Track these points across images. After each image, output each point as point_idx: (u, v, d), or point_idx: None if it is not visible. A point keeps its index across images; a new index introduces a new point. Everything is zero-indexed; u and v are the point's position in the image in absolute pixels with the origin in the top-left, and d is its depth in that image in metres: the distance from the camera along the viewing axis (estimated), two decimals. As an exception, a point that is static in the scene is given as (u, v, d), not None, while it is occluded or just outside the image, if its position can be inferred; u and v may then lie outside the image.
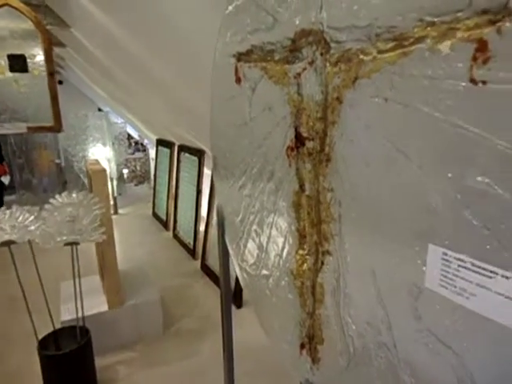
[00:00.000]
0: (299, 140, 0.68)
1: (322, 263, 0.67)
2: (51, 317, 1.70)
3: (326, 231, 0.64)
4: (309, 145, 0.66)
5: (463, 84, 0.40)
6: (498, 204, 0.38)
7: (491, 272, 0.39)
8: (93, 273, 2.42)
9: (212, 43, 0.95)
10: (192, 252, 3.28)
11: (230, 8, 0.84)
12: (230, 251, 1.02)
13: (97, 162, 2.39)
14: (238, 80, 0.85)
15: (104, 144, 4.56)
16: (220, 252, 1.07)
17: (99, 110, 6.39)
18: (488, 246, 0.39)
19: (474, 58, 0.39)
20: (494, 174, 0.38)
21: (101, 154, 4.50)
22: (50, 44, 2.20)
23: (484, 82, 0.38)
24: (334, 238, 0.63)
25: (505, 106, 0.37)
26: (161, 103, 2.94)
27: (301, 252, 0.73)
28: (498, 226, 0.38)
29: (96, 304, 2.06)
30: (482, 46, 0.38)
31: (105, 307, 2.05)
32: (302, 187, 0.70)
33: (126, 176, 6.11)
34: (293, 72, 0.67)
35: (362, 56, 0.53)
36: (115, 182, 4.72)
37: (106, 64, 3.06)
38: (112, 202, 4.60)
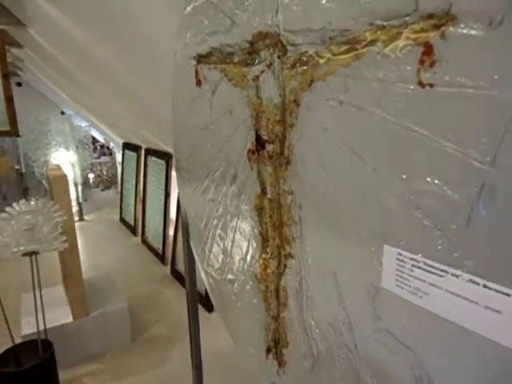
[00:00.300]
0: (260, 143, 0.67)
1: (285, 266, 0.67)
2: (10, 331, 1.61)
3: (288, 234, 0.64)
4: (269, 148, 0.65)
5: (412, 87, 0.40)
6: (448, 205, 0.39)
7: (442, 271, 0.40)
8: (57, 283, 2.32)
9: (174, 44, 0.93)
10: (161, 257, 3.22)
11: (189, 9, 0.83)
12: (196, 256, 1.00)
13: (58, 167, 2.30)
14: (199, 82, 0.84)
15: (67, 148, 4.40)
16: (185, 257, 1.05)
17: (62, 113, 6.16)
18: (439, 247, 0.40)
19: (421, 62, 0.39)
20: (443, 175, 0.39)
21: (64, 159, 4.33)
22: (2, 44, 2.09)
23: (431, 85, 0.39)
24: (295, 240, 0.63)
25: (450, 108, 0.37)
26: (126, 106, 2.87)
27: (264, 256, 0.72)
28: (448, 226, 0.39)
29: (60, 315, 1.98)
30: (428, 49, 0.39)
31: (69, 318, 1.97)
32: (263, 190, 0.69)
33: (91, 181, 5.92)
34: (251, 74, 0.67)
35: (317, 59, 0.53)
36: (80, 188, 4.56)
37: (67, 66, 2.96)
38: (77, 208, 4.44)
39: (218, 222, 0.85)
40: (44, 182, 4.41)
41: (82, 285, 1.98)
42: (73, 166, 4.46)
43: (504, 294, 0.35)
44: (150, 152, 3.54)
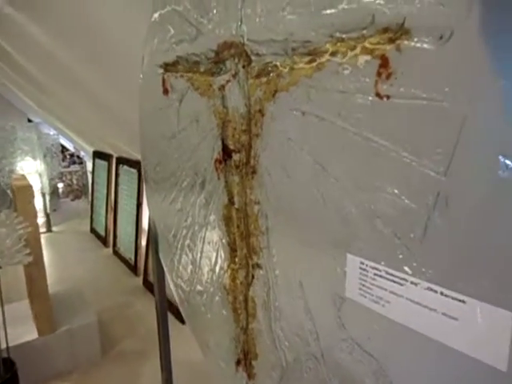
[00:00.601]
0: (226, 152, 0.67)
1: (253, 277, 0.66)
2: (-32, 351, 1.52)
3: (255, 244, 0.64)
4: (235, 157, 0.65)
5: (370, 98, 0.41)
6: (406, 214, 0.39)
7: (402, 279, 0.40)
8: (22, 297, 2.22)
9: (142, 51, 0.92)
10: (133, 268, 3.14)
11: (155, 16, 0.82)
12: (165, 267, 0.98)
13: (23, 177, 2.21)
14: (166, 91, 0.83)
15: (34, 157, 4.24)
16: (154, 269, 1.02)
17: (29, 120, 5.96)
18: (400, 256, 0.41)
19: (379, 74, 0.40)
20: (401, 185, 0.40)
21: (31, 168, 4.18)
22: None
23: (388, 97, 0.39)
24: (262, 250, 0.63)
25: (407, 119, 0.38)
26: (96, 114, 2.81)
27: (232, 266, 0.71)
28: (407, 235, 0.39)
29: (24, 332, 1.88)
30: (384, 62, 0.39)
31: (34, 335, 1.88)
32: (231, 200, 0.68)
33: (61, 190, 5.73)
34: (217, 84, 0.66)
35: (280, 69, 0.53)
36: (48, 198, 4.41)
37: (34, 73, 2.87)
38: (44, 219, 4.28)
39: (186, 232, 0.84)
40: (9, 192, 4.23)
41: (48, 299, 1.89)
42: (40, 175, 4.31)
43: (460, 301, 0.35)
44: (121, 161, 3.47)
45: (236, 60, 0.61)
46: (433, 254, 0.37)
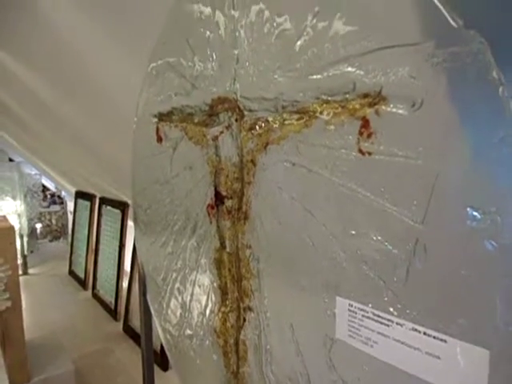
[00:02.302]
0: (219, 198, 0.71)
1: (244, 320, 0.68)
2: None
3: (247, 287, 0.66)
4: (228, 203, 0.68)
5: (354, 154, 0.46)
6: (389, 259, 0.43)
7: (388, 320, 0.43)
8: (-7, 345, 2.11)
9: (134, 98, 0.97)
10: (113, 312, 3.04)
11: (151, 68, 0.88)
12: (152, 311, 0.98)
13: (4, 218, 2.18)
14: (160, 139, 0.87)
15: (14, 197, 4.17)
16: (142, 313, 1.01)
17: (10, 160, 5.90)
18: (385, 298, 0.44)
19: (361, 133, 0.45)
20: (384, 232, 0.44)
21: (10, 209, 4.09)
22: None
23: (369, 153, 0.44)
24: (254, 293, 0.65)
25: (387, 174, 0.43)
26: (81, 155, 2.83)
27: (223, 309, 0.72)
28: (391, 279, 0.43)
29: (-6, 383, 1.78)
30: (365, 123, 0.45)
31: (6, 386, 1.78)
32: (222, 244, 0.71)
33: (39, 231, 5.59)
34: (211, 134, 0.71)
35: (271, 124, 0.58)
36: (26, 239, 4.29)
37: (17, 111, 2.90)
38: (21, 261, 4.14)
39: (176, 275, 0.85)
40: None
41: (23, 347, 1.81)
42: (19, 215, 4.22)
43: (441, 340, 0.38)
44: (104, 201, 3.45)
45: (229, 114, 0.66)
46: (415, 296, 0.41)
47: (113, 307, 3.05)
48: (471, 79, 0.36)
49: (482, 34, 0.35)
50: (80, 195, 4.14)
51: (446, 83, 0.38)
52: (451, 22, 0.37)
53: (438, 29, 0.39)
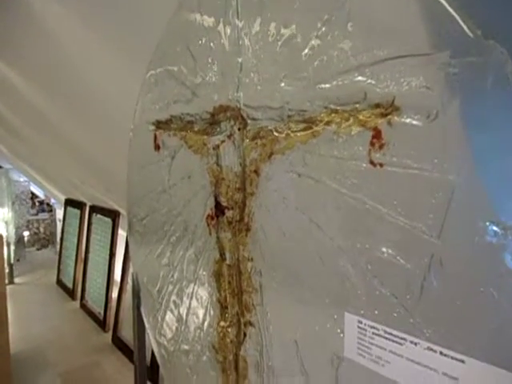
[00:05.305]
0: (219, 209, 0.69)
1: (245, 335, 0.65)
2: None
3: (248, 301, 0.64)
4: (228, 214, 0.66)
5: (364, 165, 0.45)
6: (402, 273, 0.42)
7: (401, 339, 0.42)
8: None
9: (130, 106, 0.95)
10: (102, 323, 2.96)
11: (150, 75, 0.86)
12: (147, 324, 0.94)
13: (-9, 226, 2.12)
14: (157, 147, 0.85)
15: (2, 205, 4.09)
16: (135, 325, 0.98)
17: (-2, 166, 5.80)
18: (395, 314, 0.42)
19: (372, 144, 0.44)
20: (396, 246, 0.42)
21: (-3, 216, 4.01)
22: None
23: (381, 165, 0.43)
24: (255, 308, 0.62)
25: (400, 186, 0.42)
26: (73, 163, 2.79)
27: (222, 324, 0.70)
28: (404, 295, 0.41)
29: (-23, 399, 1.71)
30: (377, 133, 0.43)
31: (-11, 402, 1.71)
32: (222, 256, 0.69)
33: (26, 239, 5.47)
34: (212, 143, 0.69)
35: (276, 134, 0.57)
36: (12, 247, 4.19)
37: (7, 117, 2.85)
38: (7, 270, 4.04)
39: (173, 287, 0.83)
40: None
41: (8, 361, 1.74)
42: (7, 223, 4.13)
43: (459, 360, 0.37)
44: (95, 209, 3.39)
45: (232, 122, 0.65)
46: (430, 313, 0.39)
47: (102, 318, 2.98)
48: (490, 90, 0.35)
49: (503, 44, 0.34)
50: (70, 203, 4.07)
51: (462, 94, 0.37)
52: (467, 31, 0.36)
53: (453, 38, 0.38)
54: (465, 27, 0.36)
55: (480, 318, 0.36)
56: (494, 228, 0.35)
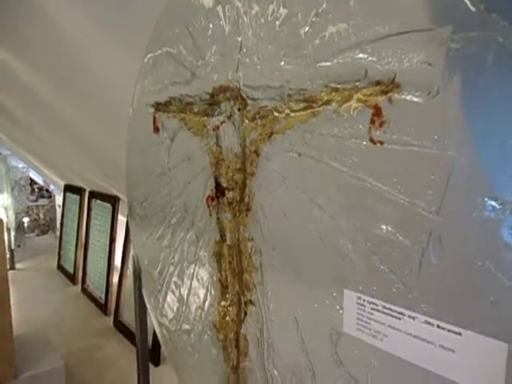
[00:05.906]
0: (219, 190, 0.69)
1: (245, 313, 0.66)
2: None
3: (248, 281, 0.64)
4: (229, 195, 0.67)
5: (364, 143, 0.45)
6: (401, 250, 0.42)
7: (400, 313, 0.42)
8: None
9: (129, 89, 0.95)
10: (103, 307, 3.00)
11: (148, 57, 0.85)
12: (148, 306, 0.96)
13: (-9, 211, 2.12)
14: (156, 129, 0.85)
15: (1, 191, 4.09)
16: (136, 307, 0.99)
17: (-3, 153, 5.77)
18: (394, 290, 0.43)
19: (372, 122, 0.44)
20: (396, 223, 0.43)
21: (-4, 202, 4.01)
22: None
23: (381, 143, 0.43)
24: (256, 287, 0.63)
25: (400, 163, 0.42)
26: (72, 148, 2.77)
27: (223, 303, 0.71)
28: (403, 271, 0.42)
29: (-18, 380, 1.74)
30: (377, 111, 0.43)
31: (-7, 383, 1.74)
32: (222, 237, 0.69)
33: (26, 225, 5.49)
34: (211, 124, 0.69)
35: (276, 113, 0.56)
36: (13, 233, 4.21)
37: (6, 103, 2.83)
38: (8, 256, 4.06)
39: (174, 269, 0.83)
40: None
41: (11, 344, 1.77)
42: (6, 209, 4.13)
43: (456, 333, 0.38)
44: (94, 195, 3.40)
45: (231, 103, 0.65)
46: (428, 288, 0.40)
47: (103, 302, 3.02)
48: (491, 65, 0.35)
49: (505, 17, 0.33)
50: (69, 189, 4.08)
51: (464, 69, 0.37)
52: (469, 5, 0.36)
53: (455, 13, 0.37)
54: (467, 1, 0.36)
55: (477, 292, 0.36)
56: (492, 203, 0.35)
